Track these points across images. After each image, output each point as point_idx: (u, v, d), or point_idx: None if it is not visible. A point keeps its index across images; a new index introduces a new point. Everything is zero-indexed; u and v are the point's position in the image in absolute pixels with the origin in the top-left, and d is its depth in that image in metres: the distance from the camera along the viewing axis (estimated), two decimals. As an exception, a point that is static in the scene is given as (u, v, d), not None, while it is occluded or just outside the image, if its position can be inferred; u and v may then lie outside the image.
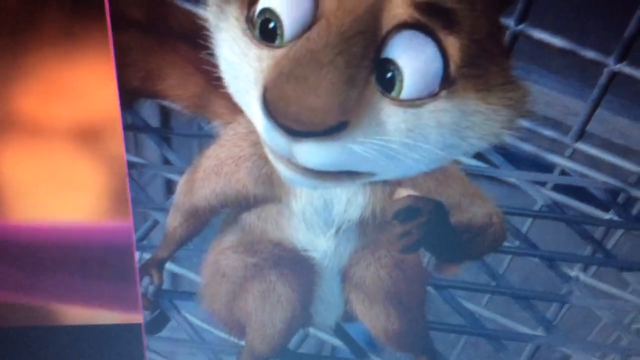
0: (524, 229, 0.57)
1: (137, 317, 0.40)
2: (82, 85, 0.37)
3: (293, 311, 0.42)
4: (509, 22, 0.53)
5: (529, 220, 0.58)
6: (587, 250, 0.57)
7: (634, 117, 0.59)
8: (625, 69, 0.53)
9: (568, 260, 0.56)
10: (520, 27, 0.54)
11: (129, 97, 0.49)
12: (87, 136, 0.38)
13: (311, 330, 0.49)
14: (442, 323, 0.50)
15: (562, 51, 0.53)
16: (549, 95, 0.57)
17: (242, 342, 0.45)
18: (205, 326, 0.51)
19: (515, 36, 0.54)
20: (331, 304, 0.44)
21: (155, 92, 0.48)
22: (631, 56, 0.52)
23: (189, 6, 0.50)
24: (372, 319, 0.43)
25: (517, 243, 0.55)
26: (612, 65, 0.53)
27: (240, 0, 0.32)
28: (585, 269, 0.56)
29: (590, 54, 0.53)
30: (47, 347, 0.40)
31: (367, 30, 0.30)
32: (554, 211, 0.56)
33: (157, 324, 0.49)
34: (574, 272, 0.56)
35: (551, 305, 0.56)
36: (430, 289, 0.46)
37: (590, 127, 0.56)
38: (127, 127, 0.54)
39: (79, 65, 0.37)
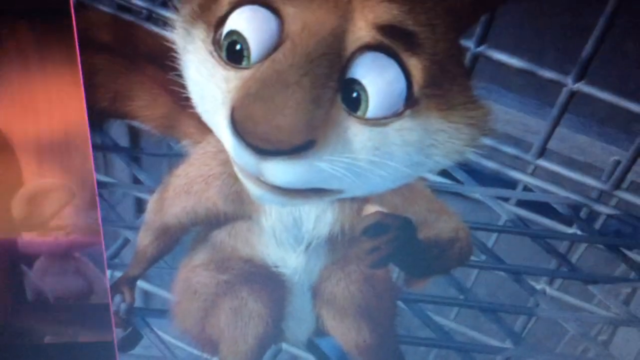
0: (489, 244, 0.57)
1: (110, 335, 0.40)
2: (50, 103, 0.37)
3: (265, 327, 0.42)
4: (469, 44, 0.54)
5: (495, 235, 0.58)
6: (552, 263, 0.58)
7: (593, 135, 0.60)
8: (583, 88, 0.53)
9: (534, 274, 0.56)
10: (480, 48, 0.54)
11: (98, 117, 0.49)
12: (56, 153, 0.38)
13: (284, 345, 0.49)
14: (412, 336, 0.50)
15: (520, 71, 0.53)
16: (509, 114, 0.58)
17: (215, 359, 0.45)
18: (178, 343, 0.51)
19: (476, 57, 0.54)
20: (303, 319, 0.44)
21: (125, 113, 0.48)
22: (588, 75, 0.53)
23: (156, 29, 0.51)
24: (344, 333, 0.43)
25: (483, 257, 0.55)
26: (571, 84, 0.53)
27: (206, 23, 0.32)
28: (551, 282, 0.57)
29: (548, 74, 0.53)
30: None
31: (332, 51, 0.30)
32: (518, 226, 0.57)
33: (129, 341, 0.49)
34: (540, 285, 0.57)
35: (518, 318, 0.56)
36: (400, 303, 0.46)
37: (550, 145, 0.56)
38: (96, 147, 0.54)
39: (48, 84, 0.37)
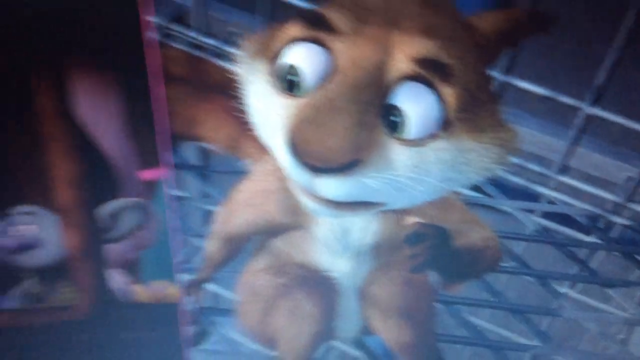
0: (517, 251, 0.57)
1: (181, 332, 0.40)
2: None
3: (318, 326, 0.42)
4: (497, 73, 0.54)
5: (522, 243, 0.57)
6: (574, 269, 0.57)
7: (608, 154, 0.59)
8: (598, 112, 0.53)
9: (557, 278, 0.55)
10: (506, 77, 0.54)
11: (173, 140, 0.48)
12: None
13: (334, 342, 0.49)
14: (449, 335, 0.50)
15: (542, 98, 0.53)
16: (533, 135, 0.58)
17: (274, 354, 0.45)
18: (241, 339, 0.50)
19: (503, 85, 0.54)
20: (351, 319, 0.43)
21: (195, 136, 0.48)
22: (602, 101, 0.53)
23: (223, 63, 0.51)
24: (387, 332, 0.43)
25: (512, 263, 0.55)
26: (586, 109, 0.53)
27: (267, 58, 0.32)
28: (573, 286, 0.56)
29: (566, 100, 0.53)
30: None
31: (375, 81, 0.30)
32: (543, 235, 0.56)
33: (198, 338, 0.49)
34: (563, 288, 0.56)
35: (544, 318, 0.56)
36: (437, 304, 0.46)
37: (570, 162, 0.56)
38: (171, 166, 0.55)
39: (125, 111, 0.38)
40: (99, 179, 0.38)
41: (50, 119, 0.36)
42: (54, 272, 0.40)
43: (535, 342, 0.51)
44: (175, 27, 0.62)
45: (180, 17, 0.62)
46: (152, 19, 0.36)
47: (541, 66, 0.56)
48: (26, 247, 0.40)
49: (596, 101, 0.53)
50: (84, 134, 0.38)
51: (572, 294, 0.56)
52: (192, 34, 0.61)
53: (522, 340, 0.53)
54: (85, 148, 0.37)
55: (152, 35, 0.34)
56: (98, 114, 0.37)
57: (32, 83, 0.36)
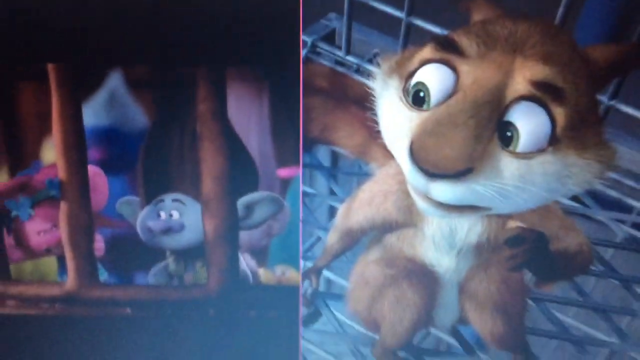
0: (607, 257, 0.56)
1: (296, 312, 0.40)
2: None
3: (419, 314, 0.42)
4: (604, 98, 0.53)
5: (612, 250, 0.56)
6: None
7: None
8: None
9: None
10: (612, 102, 0.53)
11: (309, 143, 0.50)
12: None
13: (432, 330, 0.49)
14: (537, 329, 0.49)
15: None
16: (631, 155, 0.56)
17: (377, 336, 0.45)
18: (348, 322, 0.50)
19: (608, 109, 0.53)
20: (449, 309, 0.43)
21: (329, 141, 0.48)
22: None
23: (361, 79, 0.51)
24: (481, 323, 0.43)
25: (601, 268, 0.54)
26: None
27: (400, 75, 0.33)
28: None
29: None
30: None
31: (494, 100, 0.30)
32: (631, 243, 0.55)
33: (311, 318, 0.50)
34: None
35: (625, 318, 0.55)
36: (529, 301, 0.45)
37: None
38: (305, 165, 0.55)
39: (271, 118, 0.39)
40: (241, 174, 0.39)
41: (208, 122, 0.37)
42: (193, 254, 0.41)
43: (614, 339, 0.50)
44: (323, 45, 0.63)
45: (327, 37, 0.64)
46: (303, 37, 0.37)
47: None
48: (171, 230, 0.40)
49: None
50: (233, 135, 0.39)
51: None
52: (338, 52, 0.62)
53: (602, 337, 0.52)
54: (232, 147, 0.38)
55: (300, 51, 0.35)
56: (248, 118, 0.38)
57: (198, 91, 0.37)
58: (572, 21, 0.65)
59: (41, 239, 0.41)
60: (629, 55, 0.35)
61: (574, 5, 0.50)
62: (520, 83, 0.30)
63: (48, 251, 0.41)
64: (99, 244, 0.41)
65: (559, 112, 0.30)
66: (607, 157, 0.32)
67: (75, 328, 0.40)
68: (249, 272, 0.42)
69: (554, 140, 0.31)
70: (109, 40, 0.36)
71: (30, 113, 0.39)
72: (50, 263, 0.42)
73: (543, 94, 0.30)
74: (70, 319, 0.40)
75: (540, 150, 0.31)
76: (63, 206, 0.39)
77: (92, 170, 0.39)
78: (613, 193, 0.56)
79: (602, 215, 0.56)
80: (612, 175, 0.41)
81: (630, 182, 0.56)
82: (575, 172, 0.32)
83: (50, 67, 0.37)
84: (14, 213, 0.40)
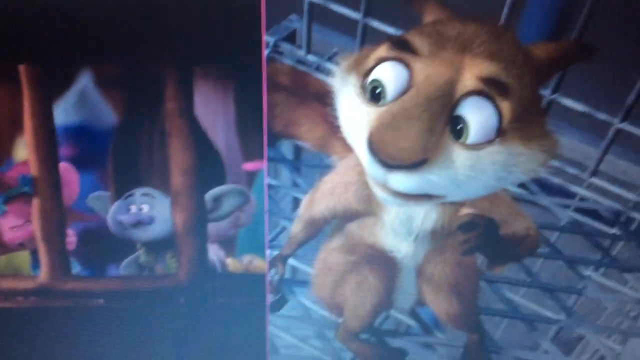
0: (552, 240, 0.57)
1: (264, 299, 0.40)
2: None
3: (380, 297, 0.42)
4: (547, 92, 0.54)
5: (556, 233, 0.57)
6: (598, 255, 0.57)
7: (632, 161, 0.60)
8: (627, 127, 0.53)
9: (583, 263, 0.55)
10: (554, 95, 0.54)
11: (273, 138, 0.49)
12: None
13: (392, 312, 0.49)
14: (490, 308, 0.50)
15: (581, 113, 0.54)
16: (572, 144, 0.57)
17: (340, 320, 0.45)
18: (313, 307, 0.50)
19: (550, 102, 0.54)
20: (408, 292, 0.44)
21: (293, 135, 0.48)
22: (630, 117, 0.53)
23: (321, 76, 0.51)
24: (438, 304, 0.43)
25: (547, 249, 0.55)
26: (617, 124, 0.53)
27: (358, 73, 0.34)
28: (596, 270, 0.55)
29: (601, 116, 0.53)
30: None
31: (445, 95, 0.31)
32: (574, 227, 0.56)
33: (278, 304, 0.50)
34: (588, 272, 0.55)
35: (570, 297, 0.55)
36: (482, 282, 0.46)
37: (601, 167, 0.56)
38: (269, 159, 0.54)
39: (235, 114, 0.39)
40: (209, 168, 0.38)
41: (176, 119, 0.37)
42: (163, 245, 0.40)
43: (561, 317, 0.51)
44: (285, 45, 0.63)
45: (289, 37, 0.63)
46: (266, 38, 0.36)
47: (582, 87, 0.56)
48: (142, 223, 0.40)
49: (625, 118, 0.53)
50: (200, 131, 0.38)
51: (595, 276, 0.55)
52: (299, 51, 0.62)
53: (551, 315, 0.52)
54: (200, 143, 0.38)
55: (263, 51, 0.35)
56: (214, 115, 0.38)
57: (166, 90, 0.37)
58: (516, 21, 0.66)
59: (15, 234, 0.40)
60: (568, 51, 0.35)
61: (517, 5, 0.50)
62: (469, 79, 0.31)
63: (21, 246, 0.41)
64: (71, 238, 0.40)
65: (505, 106, 0.31)
66: (551, 146, 0.33)
67: (49, 320, 0.39)
68: (217, 262, 0.42)
69: (501, 132, 0.31)
70: (78, 40, 0.35)
71: (1, 112, 0.38)
72: (23, 257, 0.41)
73: (490, 89, 0.31)
74: (44, 311, 0.39)
75: (489, 142, 0.31)
76: (36, 202, 0.38)
77: (64, 166, 0.39)
78: (557, 180, 0.56)
79: (547, 201, 0.57)
80: (556, 163, 0.42)
81: (572, 170, 0.56)
82: (521, 161, 0.32)
83: (21, 67, 0.37)
84: (-14, 210, 0.40)
